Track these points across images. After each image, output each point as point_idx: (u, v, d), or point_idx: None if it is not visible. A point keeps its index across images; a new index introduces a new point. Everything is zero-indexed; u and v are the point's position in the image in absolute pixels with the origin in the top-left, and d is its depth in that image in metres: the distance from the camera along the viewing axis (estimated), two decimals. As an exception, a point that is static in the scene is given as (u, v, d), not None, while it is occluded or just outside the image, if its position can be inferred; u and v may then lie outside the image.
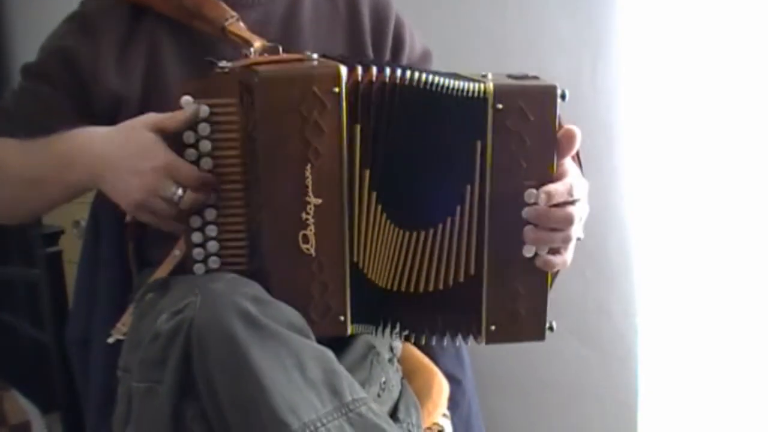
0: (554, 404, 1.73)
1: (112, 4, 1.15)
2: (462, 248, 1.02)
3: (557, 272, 1.06)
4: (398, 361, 1.20)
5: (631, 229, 1.58)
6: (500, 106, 0.97)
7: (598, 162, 1.60)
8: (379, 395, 1.11)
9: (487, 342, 1.05)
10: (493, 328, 1.04)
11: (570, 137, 0.99)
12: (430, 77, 0.98)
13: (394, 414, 1.12)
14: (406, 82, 0.98)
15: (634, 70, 1.53)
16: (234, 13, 1.13)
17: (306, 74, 0.97)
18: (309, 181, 0.97)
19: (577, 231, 1.02)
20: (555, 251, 1.01)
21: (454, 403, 1.29)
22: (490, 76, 1.01)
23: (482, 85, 0.98)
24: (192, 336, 0.90)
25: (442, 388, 1.25)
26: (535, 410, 1.76)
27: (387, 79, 0.97)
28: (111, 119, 1.13)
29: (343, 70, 0.96)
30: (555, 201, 0.98)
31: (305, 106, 0.95)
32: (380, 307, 1.04)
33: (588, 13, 1.57)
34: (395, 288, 1.03)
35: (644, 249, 1.56)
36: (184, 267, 1.06)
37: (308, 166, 0.97)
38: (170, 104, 1.05)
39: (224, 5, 1.13)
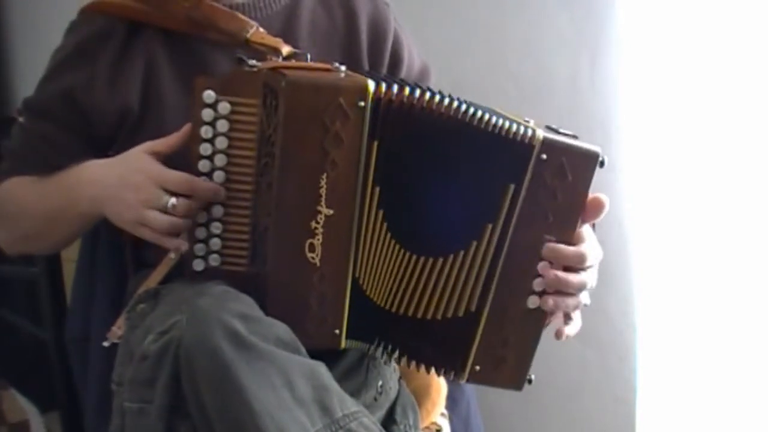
0: (553, 403, 1.73)
1: (107, 25, 1.14)
2: (468, 284, 1.02)
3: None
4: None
5: (630, 228, 1.57)
6: (544, 156, 0.98)
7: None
8: (375, 399, 1.11)
9: (468, 381, 1.05)
10: (477, 368, 1.04)
11: (598, 205, 1.00)
12: (479, 111, 0.97)
13: (391, 415, 1.12)
14: (452, 112, 0.97)
15: (633, 68, 1.53)
16: (253, 23, 1.13)
17: (333, 84, 0.96)
18: (323, 191, 0.96)
19: (584, 297, 1.04)
20: (567, 317, 1.04)
21: (452, 402, 1.29)
22: (532, 122, 1.00)
23: (531, 131, 0.97)
24: (180, 356, 0.90)
25: (440, 387, 1.25)
26: (533, 409, 1.76)
27: (407, 100, 0.97)
28: (114, 138, 1.15)
29: (371, 84, 0.96)
30: (563, 263, 1.00)
31: (328, 116, 0.95)
32: (376, 325, 1.04)
33: (587, 11, 1.57)
34: (393, 308, 1.03)
35: (642, 248, 1.56)
36: (183, 262, 1.06)
37: (324, 176, 0.96)
38: (167, 117, 1.07)
39: (242, 16, 1.13)
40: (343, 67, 1.01)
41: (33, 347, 2.06)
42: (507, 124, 0.97)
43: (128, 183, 1.02)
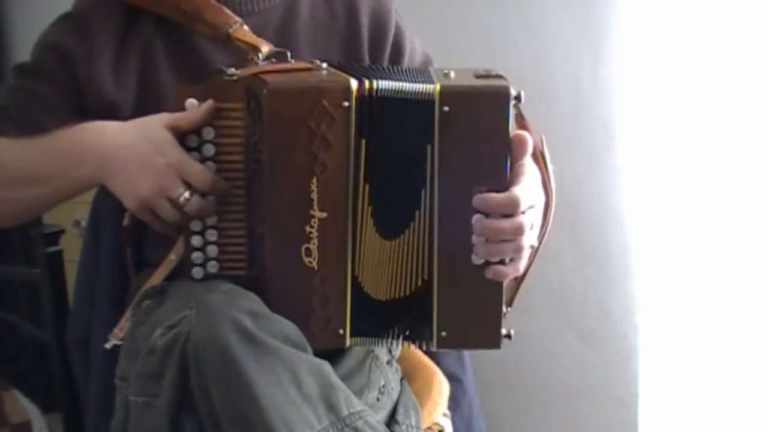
0: (555, 403, 1.73)
1: (106, 6, 1.14)
2: (418, 255, 1.01)
3: (522, 279, 1.05)
4: (397, 361, 1.20)
5: (632, 228, 1.57)
6: (447, 108, 0.95)
7: (598, 160, 1.60)
8: (378, 399, 1.10)
9: (438, 347, 1.04)
10: (444, 334, 1.02)
11: (521, 142, 0.97)
12: (382, 84, 0.96)
13: (393, 416, 1.12)
14: (365, 92, 0.96)
15: (635, 68, 1.53)
16: (238, 19, 1.12)
17: (316, 87, 0.95)
18: (314, 195, 0.96)
19: (529, 239, 1.00)
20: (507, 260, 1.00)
21: (454, 403, 1.29)
22: (452, 74, 0.98)
23: (429, 87, 0.96)
24: (188, 350, 0.89)
25: (442, 387, 1.25)
26: (535, 409, 1.76)
27: (369, 91, 0.96)
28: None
29: (354, 83, 0.95)
30: (497, 211, 0.96)
31: (314, 120, 0.94)
32: (377, 319, 1.04)
33: (588, 10, 1.57)
34: (388, 298, 1.03)
35: (644, 248, 1.56)
36: (182, 270, 1.06)
37: (314, 180, 0.96)
38: (165, 107, 1.04)
39: (228, 11, 1.12)
40: (324, 65, 1.00)
41: (34, 348, 2.05)
42: (409, 86, 0.96)
43: (149, 164, 0.99)
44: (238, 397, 0.87)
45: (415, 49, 1.25)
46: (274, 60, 1.09)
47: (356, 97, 0.95)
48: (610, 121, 1.58)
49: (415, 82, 0.97)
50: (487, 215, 0.97)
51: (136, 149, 1.00)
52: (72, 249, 1.34)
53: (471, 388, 1.36)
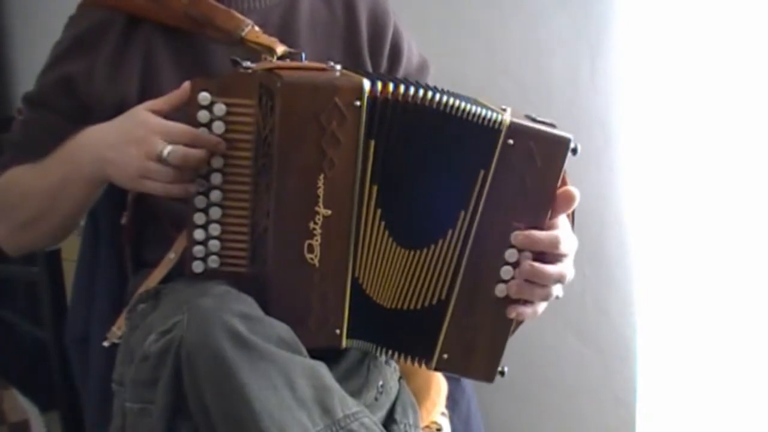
0: (553, 402, 1.73)
1: (105, 17, 1.15)
2: (443, 273, 1.02)
3: (518, 325, 1.06)
4: (396, 361, 1.20)
5: (630, 228, 1.57)
6: (511, 141, 0.97)
7: (596, 160, 1.60)
8: (376, 399, 1.11)
9: (435, 369, 1.05)
10: (445, 356, 1.04)
11: (568, 197, 0.99)
12: (451, 99, 0.97)
13: (390, 415, 1.12)
14: (427, 103, 0.97)
15: (633, 67, 1.53)
16: (249, 21, 1.13)
17: (329, 84, 0.96)
18: (321, 191, 0.97)
19: (558, 289, 1.02)
20: (529, 302, 1.02)
21: (453, 402, 1.29)
22: (509, 110, 1.00)
23: (499, 116, 0.97)
24: (181, 356, 0.90)
25: (440, 386, 1.25)
26: (533, 408, 1.76)
27: (402, 97, 0.97)
28: None
29: (366, 83, 0.96)
30: (536, 248, 0.98)
31: (325, 116, 0.95)
32: (375, 323, 1.04)
33: (586, 9, 1.57)
34: (393, 306, 1.04)
35: (643, 247, 1.56)
36: (182, 264, 1.06)
37: (321, 176, 0.96)
38: None
39: (238, 14, 1.13)
40: (338, 66, 1.01)
41: (33, 347, 2.06)
42: (476, 109, 0.97)
43: (130, 138, 1.01)
44: (232, 402, 0.87)
45: (412, 51, 1.26)
46: (288, 60, 1.10)
47: (368, 98, 0.96)
48: (608, 121, 1.58)
49: (477, 105, 0.98)
50: (520, 250, 0.99)
51: (119, 131, 1.03)
52: (70, 248, 1.34)
53: (469, 387, 1.36)
